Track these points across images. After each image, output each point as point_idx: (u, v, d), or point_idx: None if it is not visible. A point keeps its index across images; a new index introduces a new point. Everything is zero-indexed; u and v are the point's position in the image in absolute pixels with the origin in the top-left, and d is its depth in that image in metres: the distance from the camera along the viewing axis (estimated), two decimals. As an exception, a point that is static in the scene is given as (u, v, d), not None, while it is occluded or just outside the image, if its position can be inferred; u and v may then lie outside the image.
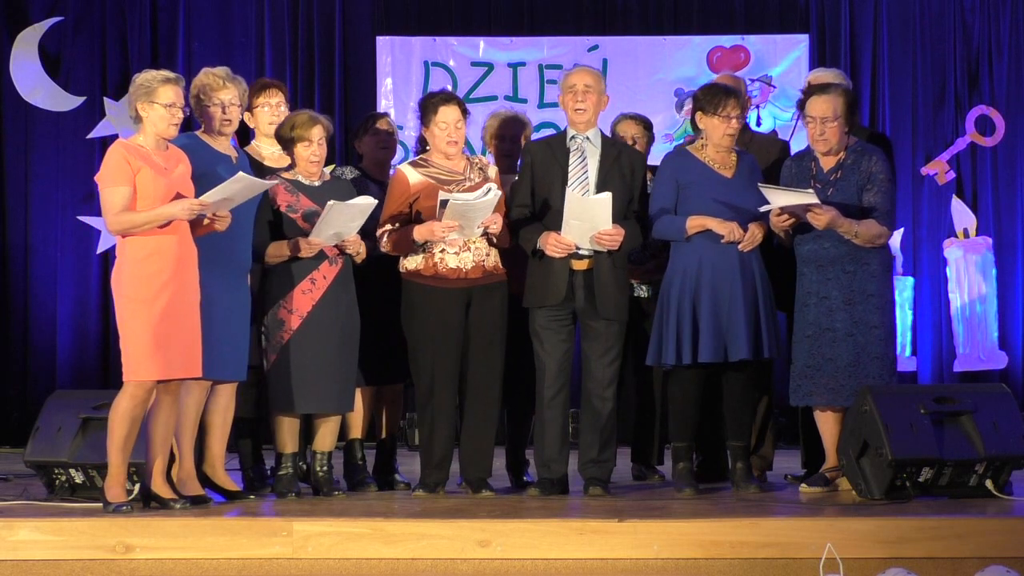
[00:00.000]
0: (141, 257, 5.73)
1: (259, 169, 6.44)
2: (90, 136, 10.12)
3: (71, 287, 10.16)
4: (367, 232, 6.38)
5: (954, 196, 10.24)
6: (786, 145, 7.06)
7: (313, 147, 6.29)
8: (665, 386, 6.57)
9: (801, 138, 6.48)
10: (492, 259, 6.35)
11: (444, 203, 6.14)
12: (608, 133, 6.79)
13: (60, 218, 10.21)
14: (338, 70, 10.34)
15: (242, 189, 5.81)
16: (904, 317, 10.03)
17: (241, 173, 5.81)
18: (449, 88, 9.64)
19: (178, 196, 5.75)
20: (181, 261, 5.78)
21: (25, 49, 10.17)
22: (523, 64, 10.32)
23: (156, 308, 5.71)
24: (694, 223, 6.27)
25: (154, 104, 5.77)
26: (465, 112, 6.39)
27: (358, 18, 10.41)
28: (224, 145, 6.19)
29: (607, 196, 6.17)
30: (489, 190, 6.18)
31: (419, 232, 6.25)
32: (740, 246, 6.24)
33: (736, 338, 6.21)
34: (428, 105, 6.39)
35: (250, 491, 6.33)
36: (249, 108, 6.66)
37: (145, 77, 5.82)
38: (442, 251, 6.28)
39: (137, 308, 5.71)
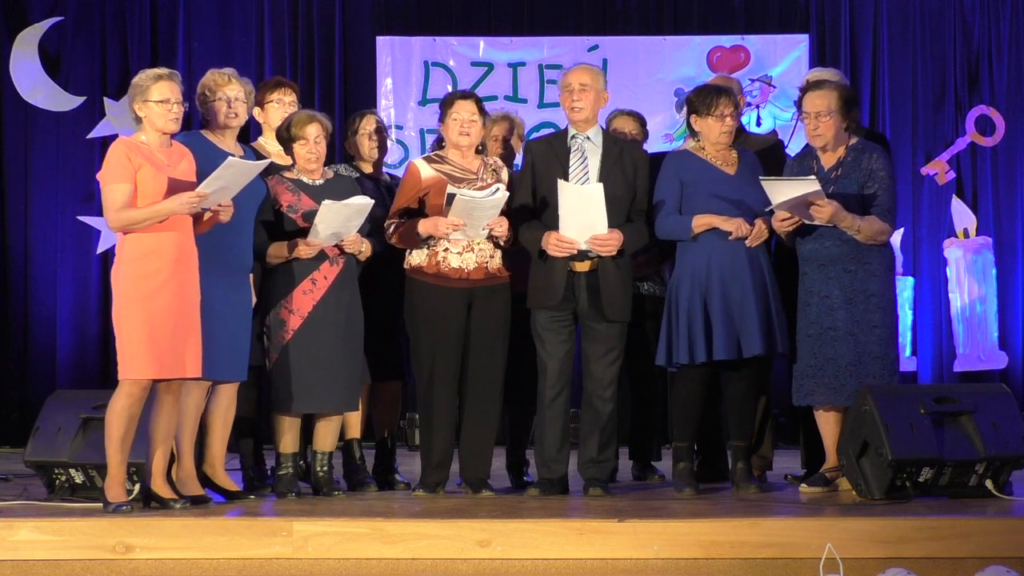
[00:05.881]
0: (139, 255, 5.73)
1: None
2: (90, 136, 10.12)
3: (71, 287, 10.16)
4: (373, 229, 6.39)
5: (954, 196, 10.24)
6: (781, 145, 7.06)
7: (310, 145, 6.29)
8: (668, 385, 6.57)
9: (801, 138, 6.49)
10: (496, 261, 6.35)
11: (451, 198, 6.16)
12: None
13: (60, 218, 10.21)
14: (338, 70, 10.34)
15: (236, 174, 5.77)
16: (904, 317, 10.03)
17: (231, 158, 5.78)
18: (450, 88, 9.66)
19: (175, 190, 5.72)
20: (180, 260, 5.77)
21: (25, 49, 10.17)
22: (523, 64, 10.32)
23: (153, 307, 5.70)
24: (700, 222, 6.27)
25: (148, 102, 5.79)
26: (482, 110, 6.39)
27: (358, 18, 10.41)
28: (229, 143, 6.20)
29: (598, 187, 6.16)
30: (497, 190, 6.20)
31: (423, 226, 6.27)
32: (747, 241, 6.24)
33: (750, 334, 6.20)
34: (445, 101, 6.43)
35: (250, 491, 6.33)
36: (261, 103, 6.68)
37: (139, 77, 5.86)
38: (445, 250, 6.29)
39: (134, 306, 5.71)
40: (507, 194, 6.22)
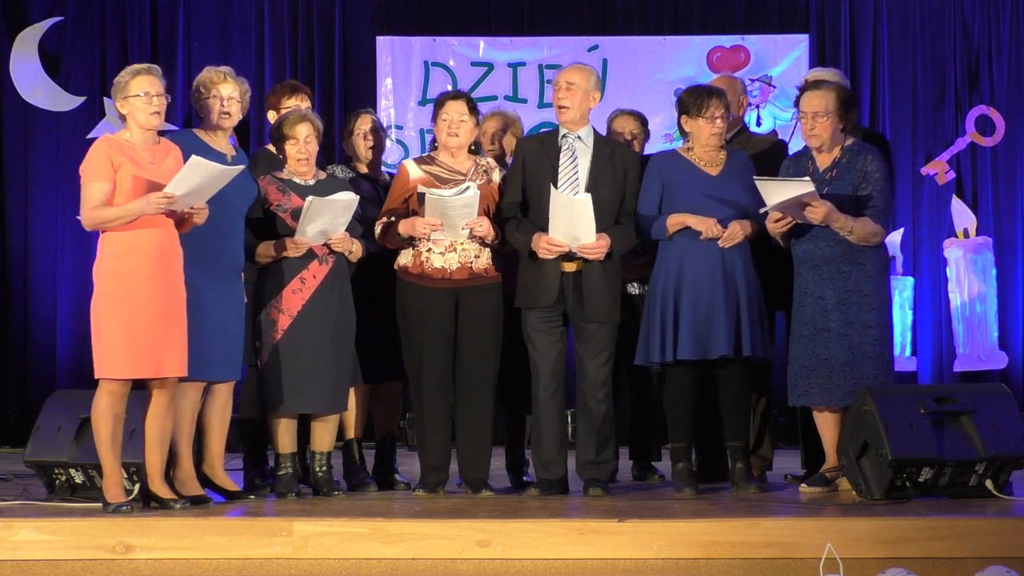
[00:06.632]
0: (118, 253, 5.70)
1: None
2: (90, 136, 10.09)
3: (71, 287, 10.15)
4: (368, 231, 6.39)
5: (954, 196, 10.24)
6: (784, 144, 7.06)
7: (300, 145, 6.29)
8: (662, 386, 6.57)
9: (800, 138, 6.48)
10: (482, 261, 6.34)
11: (422, 197, 6.16)
12: (604, 130, 6.77)
13: (60, 218, 10.21)
14: (338, 70, 10.34)
15: (206, 176, 5.68)
16: (904, 317, 10.03)
17: (196, 158, 5.68)
18: (450, 88, 9.65)
19: (153, 190, 5.67)
20: (162, 258, 5.73)
21: (25, 49, 10.17)
22: (523, 64, 10.32)
23: (133, 305, 5.66)
24: (674, 221, 6.28)
25: (128, 98, 5.77)
26: (473, 110, 6.38)
27: (358, 18, 10.41)
28: (222, 143, 6.18)
29: (586, 197, 6.16)
30: (467, 188, 6.19)
31: (403, 226, 6.28)
32: (719, 242, 6.24)
33: (716, 335, 6.21)
34: (437, 102, 6.43)
35: (250, 491, 6.33)
36: (276, 107, 6.68)
37: (119, 75, 5.83)
38: (428, 250, 6.29)
39: (112, 305, 5.68)
40: (478, 192, 6.20)
